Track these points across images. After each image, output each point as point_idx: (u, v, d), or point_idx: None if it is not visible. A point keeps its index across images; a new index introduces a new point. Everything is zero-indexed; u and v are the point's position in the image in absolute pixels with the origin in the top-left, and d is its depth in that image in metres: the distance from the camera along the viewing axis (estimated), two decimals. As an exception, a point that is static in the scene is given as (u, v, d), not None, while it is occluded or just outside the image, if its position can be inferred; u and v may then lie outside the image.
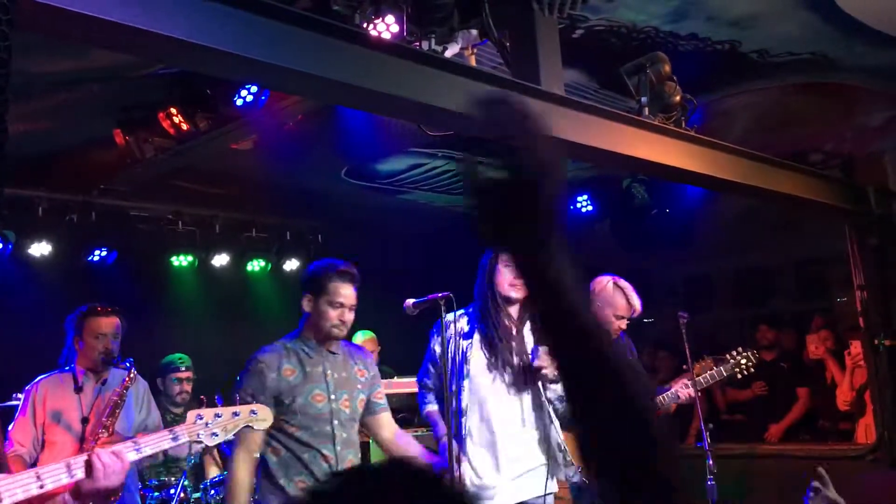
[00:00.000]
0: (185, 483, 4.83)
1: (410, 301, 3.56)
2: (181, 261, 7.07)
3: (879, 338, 5.94)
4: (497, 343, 3.53)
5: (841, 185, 5.91)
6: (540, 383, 3.59)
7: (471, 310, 3.70)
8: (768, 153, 5.18)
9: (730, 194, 5.70)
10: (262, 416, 2.95)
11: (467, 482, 3.45)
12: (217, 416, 2.77)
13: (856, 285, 6.10)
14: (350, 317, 3.46)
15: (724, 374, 4.68)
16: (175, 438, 2.65)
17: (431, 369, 3.75)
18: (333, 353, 3.43)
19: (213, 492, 5.23)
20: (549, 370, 3.49)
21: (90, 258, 6.61)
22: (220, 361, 6.96)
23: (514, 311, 3.64)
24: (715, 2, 4.21)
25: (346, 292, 3.43)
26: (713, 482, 4.16)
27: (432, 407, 3.78)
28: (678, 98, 4.40)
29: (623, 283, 4.37)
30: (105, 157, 5.68)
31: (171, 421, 5.20)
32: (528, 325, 3.63)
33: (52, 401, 3.96)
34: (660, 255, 8.18)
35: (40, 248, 6.19)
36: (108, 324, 4.13)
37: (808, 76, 5.16)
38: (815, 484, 2.48)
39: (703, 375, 4.61)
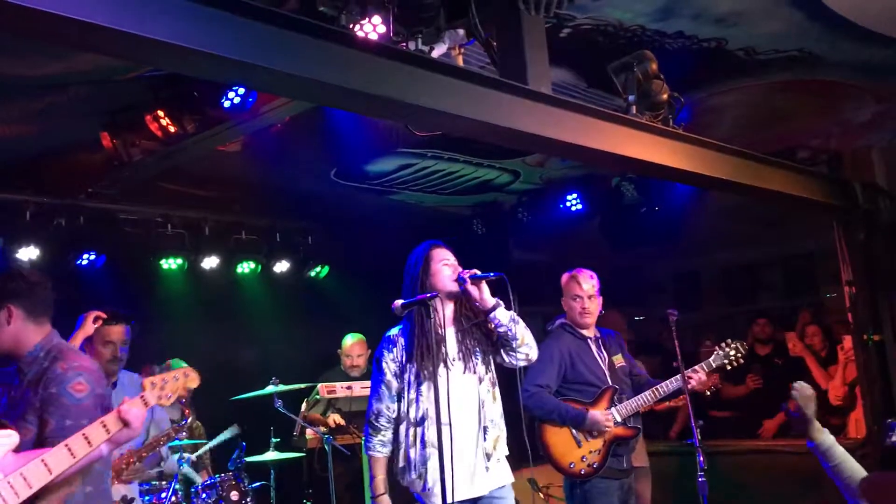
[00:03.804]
0: (177, 487, 4.82)
1: (399, 302, 3.55)
2: (170, 263, 7.05)
3: (868, 333, 5.97)
4: (432, 345, 3.50)
5: (828, 181, 5.94)
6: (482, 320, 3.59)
7: (403, 323, 3.69)
8: (756, 150, 5.20)
9: (718, 191, 5.73)
10: (193, 377, 3.20)
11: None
12: (164, 381, 3.08)
13: (844, 281, 6.13)
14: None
15: (713, 364, 4.68)
16: (146, 403, 2.98)
17: (384, 391, 3.62)
18: None
19: (203, 495, 5.23)
20: (480, 291, 3.53)
21: (79, 262, 6.58)
22: (210, 363, 6.96)
23: (450, 308, 3.65)
24: (701, 0, 4.23)
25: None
26: (703, 478, 4.18)
27: (376, 454, 3.63)
28: (665, 96, 4.42)
29: (578, 272, 4.66)
30: (92, 160, 5.67)
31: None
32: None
33: None
34: (649, 253, 8.21)
35: (28, 253, 6.15)
36: (118, 331, 4.23)
37: (795, 73, 5.18)
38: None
39: (693, 368, 4.63)
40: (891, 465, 5.20)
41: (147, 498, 4.74)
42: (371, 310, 5.17)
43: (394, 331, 3.72)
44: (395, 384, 3.61)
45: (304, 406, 6.39)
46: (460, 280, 3.56)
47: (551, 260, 8.06)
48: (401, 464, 3.58)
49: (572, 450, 4.45)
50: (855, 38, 4.64)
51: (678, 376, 4.47)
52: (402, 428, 3.58)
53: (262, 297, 7.78)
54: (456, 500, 3.31)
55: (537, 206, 7.73)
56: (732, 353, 4.71)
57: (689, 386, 4.48)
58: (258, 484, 5.74)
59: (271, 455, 5.73)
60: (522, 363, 3.66)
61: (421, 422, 3.52)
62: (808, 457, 6.02)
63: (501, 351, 3.65)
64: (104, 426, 2.81)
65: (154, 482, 4.88)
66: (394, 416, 3.61)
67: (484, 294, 3.55)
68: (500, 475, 3.61)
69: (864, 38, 4.63)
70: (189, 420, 4.50)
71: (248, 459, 5.64)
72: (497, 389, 3.70)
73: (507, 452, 3.67)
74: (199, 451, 5.56)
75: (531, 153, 6.50)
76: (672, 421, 7.25)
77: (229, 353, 7.48)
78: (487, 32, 3.84)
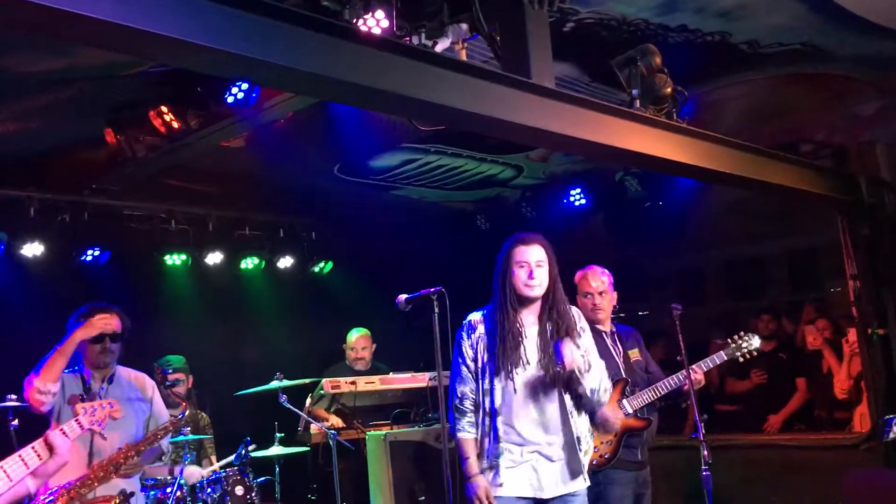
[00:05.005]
0: (182, 481, 4.83)
1: (403, 296, 3.56)
2: (174, 259, 7.06)
3: (872, 327, 5.96)
4: (508, 343, 3.51)
5: (832, 175, 5.92)
6: (567, 382, 3.54)
7: (488, 310, 3.68)
8: (760, 144, 5.19)
9: (722, 185, 5.71)
10: (117, 408, 3.55)
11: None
12: (94, 408, 3.43)
13: (848, 275, 6.12)
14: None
15: (725, 357, 4.71)
16: (81, 427, 3.34)
17: (467, 373, 3.60)
18: None
19: (209, 490, 5.24)
20: (575, 363, 3.46)
21: (83, 258, 6.60)
22: (214, 359, 6.99)
23: (532, 309, 3.63)
24: (704, -7, 4.23)
25: None
26: (708, 472, 4.17)
27: (466, 435, 3.59)
28: (669, 90, 4.41)
29: (589, 269, 4.70)
30: (96, 157, 5.67)
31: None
32: (550, 324, 3.60)
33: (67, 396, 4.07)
34: (653, 248, 8.20)
35: (33, 249, 6.17)
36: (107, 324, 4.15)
37: (799, 66, 5.17)
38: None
39: (705, 360, 4.64)
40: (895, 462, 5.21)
41: (152, 493, 4.74)
42: (375, 304, 5.18)
43: (476, 315, 3.67)
44: (473, 367, 3.58)
45: (308, 401, 6.40)
46: (557, 353, 3.48)
47: (555, 254, 8.06)
48: (477, 449, 3.56)
49: None
50: (859, 31, 4.63)
51: (683, 371, 4.47)
52: (479, 416, 3.56)
53: (266, 292, 7.79)
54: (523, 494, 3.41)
55: (541, 201, 7.72)
56: (745, 345, 4.72)
57: (695, 378, 4.49)
58: (263, 479, 5.75)
59: (276, 450, 5.74)
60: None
61: (494, 414, 3.50)
62: (813, 451, 6.05)
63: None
64: (35, 451, 3.05)
65: (159, 477, 4.89)
66: (477, 398, 3.59)
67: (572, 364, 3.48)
68: (571, 485, 3.58)
69: (869, 30, 4.62)
70: (187, 413, 4.48)
71: (253, 454, 5.65)
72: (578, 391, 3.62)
73: (585, 467, 3.62)
74: (208, 470, 5.57)
75: (535, 148, 6.50)
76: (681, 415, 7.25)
77: (233, 349, 7.49)
78: (491, 27, 3.83)
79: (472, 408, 3.59)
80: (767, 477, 6.32)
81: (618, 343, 4.68)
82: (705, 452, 4.17)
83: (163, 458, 4.75)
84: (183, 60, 3.12)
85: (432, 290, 3.48)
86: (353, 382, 6.17)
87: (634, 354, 4.72)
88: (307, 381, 5.99)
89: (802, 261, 8.59)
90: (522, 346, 3.52)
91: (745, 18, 4.49)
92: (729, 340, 4.78)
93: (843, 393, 6.64)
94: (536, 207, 7.72)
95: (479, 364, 3.56)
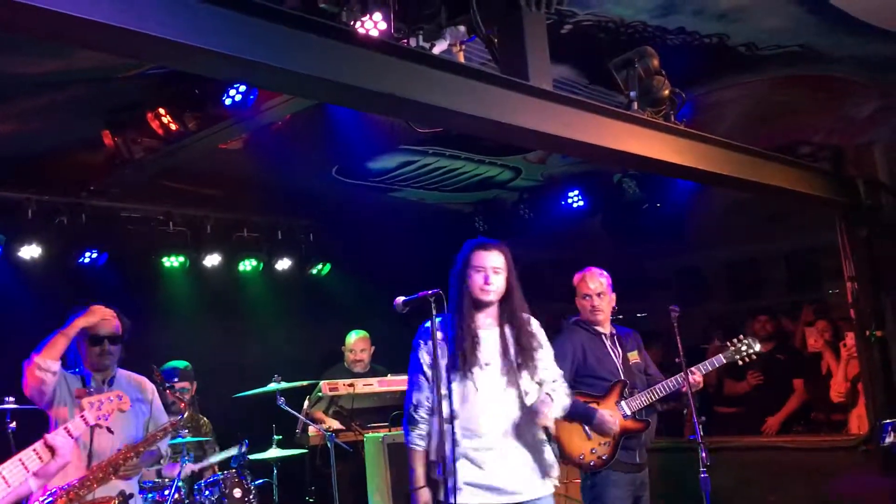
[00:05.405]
0: (180, 484, 4.83)
1: (400, 299, 3.55)
2: (172, 261, 7.05)
3: (870, 329, 5.96)
4: (466, 345, 3.50)
5: (830, 177, 5.93)
6: (523, 383, 3.53)
7: (445, 316, 3.66)
8: (758, 146, 5.20)
9: (720, 187, 5.71)
10: (126, 400, 3.50)
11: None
12: (101, 401, 3.38)
13: (846, 276, 6.12)
14: None
15: (724, 360, 4.72)
16: (86, 422, 3.31)
17: (423, 381, 3.56)
18: None
19: (207, 492, 5.24)
20: (535, 371, 3.47)
21: (81, 260, 6.58)
22: (212, 361, 6.98)
23: (490, 313, 3.60)
24: (702, -4, 4.23)
25: None
26: (706, 474, 4.18)
27: (415, 447, 3.54)
28: (667, 92, 4.41)
29: (588, 271, 4.72)
30: (94, 159, 5.66)
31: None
32: (508, 327, 3.60)
33: (70, 394, 4.07)
34: (651, 250, 8.20)
35: (30, 251, 6.16)
36: (105, 325, 4.16)
37: (797, 68, 5.17)
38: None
39: (703, 363, 4.65)
40: (892, 466, 5.22)
41: (150, 495, 4.74)
42: (373, 307, 5.17)
43: (433, 322, 3.63)
44: (430, 375, 3.55)
45: (306, 403, 6.40)
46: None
47: (553, 257, 8.06)
48: (432, 457, 3.51)
49: (582, 442, 4.46)
50: (858, 33, 4.63)
51: (682, 373, 4.48)
52: (435, 422, 3.50)
53: (264, 294, 7.78)
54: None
55: (539, 203, 7.72)
56: (744, 348, 4.73)
57: (693, 380, 4.50)
58: (261, 481, 5.74)
59: (274, 452, 5.74)
60: None
61: (451, 420, 3.45)
62: (811, 453, 6.05)
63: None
64: (36, 453, 3.00)
65: (157, 479, 4.88)
66: (432, 406, 3.54)
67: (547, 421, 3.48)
68: (537, 488, 3.53)
69: (867, 32, 4.62)
70: (186, 414, 4.48)
71: (251, 456, 5.65)
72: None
73: (553, 470, 3.59)
74: (204, 463, 5.57)
75: (532, 150, 6.50)
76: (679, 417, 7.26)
77: (232, 351, 7.48)
78: (489, 29, 3.83)
79: (425, 417, 3.54)
80: (765, 479, 6.32)
81: (617, 345, 4.69)
82: (703, 454, 4.18)
83: (161, 461, 4.74)
84: (180, 63, 3.12)
85: (430, 292, 3.47)
86: (351, 384, 6.17)
87: (633, 357, 4.72)
88: (305, 383, 5.99)
89: (801, 262, 8.60)
90: (480, 349, 3.50)
91: (743, 20, 4.49)
92: (728, 343, 4.79)
93: (839, 396, 6.65)
94: (534, 209, 7.71)
95: (438, 370, 3.50)
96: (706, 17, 4.44)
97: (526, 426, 3.53)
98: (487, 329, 3.59)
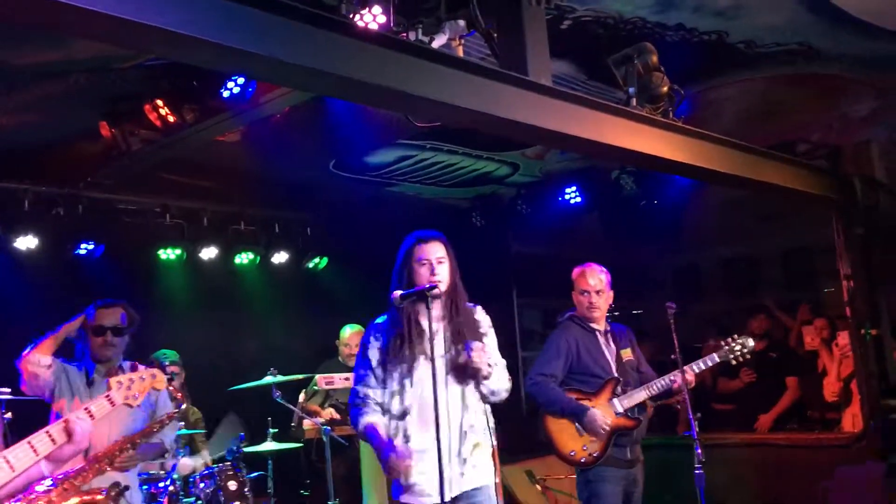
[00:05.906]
0: (175, 476, 4.83)
1: (398, 292, 3.54)
2: (169, 254, 7.04)
3: (866, 327, 5.98)
4: (414, 339, 3.48)
5: (827, 175, 5.94)
6: (472, 377, 3.50)
7: (390, 312, 3.63)
8: (755, 143, 5.20)
9: (717, 184, 5.72)
10: (160, 378, 3.33)
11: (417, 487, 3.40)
12: (131, 380, 3.19)
13: (842, 275, 6.13)
14: None
15: (718, 359, 4.70)
16: (112, 402, 3.11)
17: (371, 378, 3.53)
18: None
19: (202, 485, 5.24)
20: (483, 364, 3.44)
21: (77, 251, 6.58)
22: (208, 354, 6.98)
23: (435, 306, 3.53)
24: (701, -8, 4.23)
25: None
26: (701, 471, 4.19)
27: (371, 418, 3.49)
28: (665, 88, 4.41)
29: (587, 267, 4.67)
30: (91, 150, 5.65)
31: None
32: (455, 317, 3.57)
33: (70, 386, 4.11)
34: (648, 246, 8.22)
35: (26, 242, 6.15)
36: (109, 315, 4.19)
37: (795, 66, 5.18)
38: None
39: (697, 362, 4.64)
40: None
41: (145, 487, 4.73)
42: (369, 301, 5.15)
43: (380, 319, 3.66)
44: (379, 373, 3.55)
45: (301, 396, 6.40)
46: (466, 350, 3.45)
47: (550, 252, 8.07)
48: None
49: (574, 438, 4.47)
50: (856, 31, 4.64)
51: (677, 371, 4.48)
52: (386, 419, 3.50)
53: (261, 287, 7.78)
54: (430, 501, 3.33)
55: (536, 199, 7.73)
56: (738, 347, 4.72)
57: (686, 379, 4.49)
58: (256, 474, 5.75)
59: (269, 445, 5.74)
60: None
61: (403, 416, 3.46)
62: (803, 450, 6.08)
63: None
64: (49, 435, 2.88)
65: (153, 471, 4.88)
66: (380, 401, 3.54)
67: (480, 364, 3.46)
68: (477, 478, 3.51)
69: (864, 31, 4.63)
70: (184, 406, 4.48)
71: (246, 449, 5.65)
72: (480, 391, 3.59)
73: (487, 460, 3.55)
74: (200, 463, 5.56)
75: (531, 145, 6.50)
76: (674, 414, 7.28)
77: (227, 344, 7.48)
78: (488, 23, 3.83)
79: (375, 408, 3.51)
80: (760, 475, 6.34)
81: (611, 342, 4.68)
82: (698, 451, 4.19)
83: (166, 455, 4.72)
84: (178, 54, 3.11)
85: (427, 285, 3.46)
86: (346, 378, 6.16)
87: (626, 354, 4.71)
88: (301, 376, 5.98)
89: (797, 260, 8.62)
90: (427, 342, 3.44)
91: (742, 18, 4.49)
92: (722, 343, 4.78)
93: (832, 395, 6.67)
94: (532, 205, 7.72)
95: (388, 367, 3.50)
96: (705, 14, 4.44)
97: (474, 415, 3.52)
98: (435, 322, 3.51)
